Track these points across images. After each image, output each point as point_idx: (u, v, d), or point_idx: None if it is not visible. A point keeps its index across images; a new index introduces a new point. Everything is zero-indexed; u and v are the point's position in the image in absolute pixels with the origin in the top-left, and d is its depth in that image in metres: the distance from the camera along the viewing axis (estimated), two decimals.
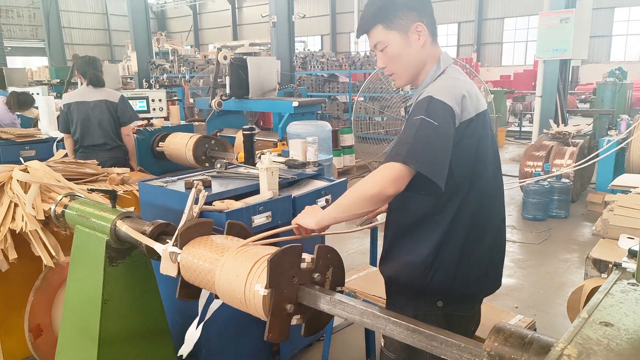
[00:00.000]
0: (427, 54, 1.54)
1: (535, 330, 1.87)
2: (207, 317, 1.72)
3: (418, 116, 1.38)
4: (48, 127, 5.01)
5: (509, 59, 24.60)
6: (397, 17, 1.49)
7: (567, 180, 5.71)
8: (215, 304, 1.68)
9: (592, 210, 5.75)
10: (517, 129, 12.44)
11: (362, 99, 8.85)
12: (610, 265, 2.21)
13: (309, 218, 1.52)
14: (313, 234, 1.56)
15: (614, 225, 2.46)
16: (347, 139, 8.20)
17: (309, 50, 18.86)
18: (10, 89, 7.55)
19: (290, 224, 1.61)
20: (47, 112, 5.06)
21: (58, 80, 12.00)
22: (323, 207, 1.56)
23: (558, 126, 6.78)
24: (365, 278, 2.64)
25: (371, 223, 2.61)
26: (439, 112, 1.37)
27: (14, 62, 22.64)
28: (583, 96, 15.96)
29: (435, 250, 1.48)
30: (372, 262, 2.87)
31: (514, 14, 23.50)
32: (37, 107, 5.95)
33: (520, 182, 5.89)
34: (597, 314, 0.78)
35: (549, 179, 5.59)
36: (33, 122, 6.38)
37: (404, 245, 1.56)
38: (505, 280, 2.20)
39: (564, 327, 3.15)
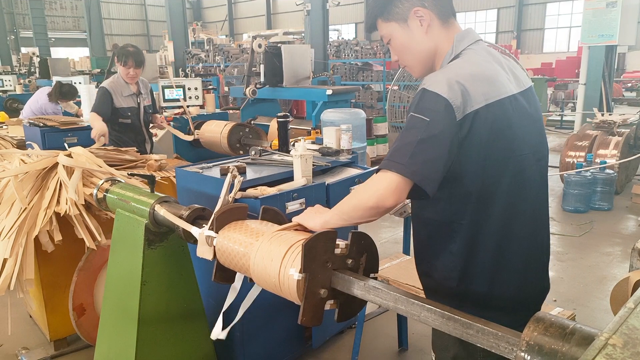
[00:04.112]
0: (436, 38, 1.38)
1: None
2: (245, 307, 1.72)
3: (410, 112, 1.27)
4: (89, 115, 5.16)
5: (551, 46, 23.73)
6: (393, 6, 1.39)
7: (611, 171, 5.48)
8: (255, 291, 1.66)
9: (637, 202, 5.52)
10: (558, 118, 12.00)
11: (396, 87, 8.72)
12: None
13: (315, 219, 1.42)
14: None
15: None
16: (381, 128, 8.11)
17: (343, 38, 18.73)
18: (54, 79, 7.82)
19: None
20: (88, 100, 5.22)
21: (99, 70, 12.38)
22: None
23: (602, 115, 6.51)
24: (399, 267, 2.62)
25: (404, 212, 2.60)
26: (431, 105, 1.22)
27: (57, 53, 23.49)
28: (629, 84, 15.29)
29: (460, 263, 1.34)
30: (405, 251, 2.85)
31: None
32: (77, 104, 6.10)
33: (560, 172, 5.70)
34: None
35: (591, 170, 5.39)
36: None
37: (425, 258, 1.46)
38: None
39: (604, 321, 3.05)
